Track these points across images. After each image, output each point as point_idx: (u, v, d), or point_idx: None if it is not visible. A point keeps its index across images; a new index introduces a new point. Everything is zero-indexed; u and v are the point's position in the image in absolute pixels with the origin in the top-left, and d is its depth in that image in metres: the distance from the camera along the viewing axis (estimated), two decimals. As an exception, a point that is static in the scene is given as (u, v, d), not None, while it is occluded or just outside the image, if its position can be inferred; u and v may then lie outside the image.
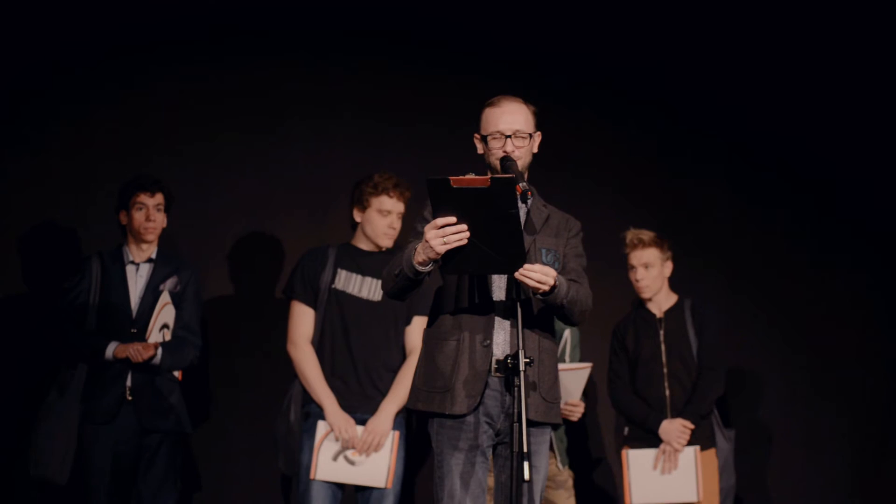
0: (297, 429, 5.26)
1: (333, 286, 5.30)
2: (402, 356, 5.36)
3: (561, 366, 5.38)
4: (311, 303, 5.30)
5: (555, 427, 5.46)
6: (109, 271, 5.24)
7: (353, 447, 5.20)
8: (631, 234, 5.70)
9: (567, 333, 5.60)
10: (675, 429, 5.57)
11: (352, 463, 5.21)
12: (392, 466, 5.24)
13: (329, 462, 5.19)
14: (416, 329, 5.36)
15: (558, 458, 5.52)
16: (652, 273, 5.69)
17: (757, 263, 6.67)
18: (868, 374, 6.61)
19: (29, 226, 5.70)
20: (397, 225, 5.32)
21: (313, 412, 5.25)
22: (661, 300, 5.78)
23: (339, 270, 5.31)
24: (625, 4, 6.50)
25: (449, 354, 4.00)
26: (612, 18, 6.47)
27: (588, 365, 5.53)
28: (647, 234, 5.71)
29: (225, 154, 5.99)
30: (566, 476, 5.58)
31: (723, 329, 5.89)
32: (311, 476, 5.18)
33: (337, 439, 5.19)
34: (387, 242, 5.33)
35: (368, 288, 5.31)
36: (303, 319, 5.31)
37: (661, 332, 5.73)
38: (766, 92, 6.64)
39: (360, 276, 5.32)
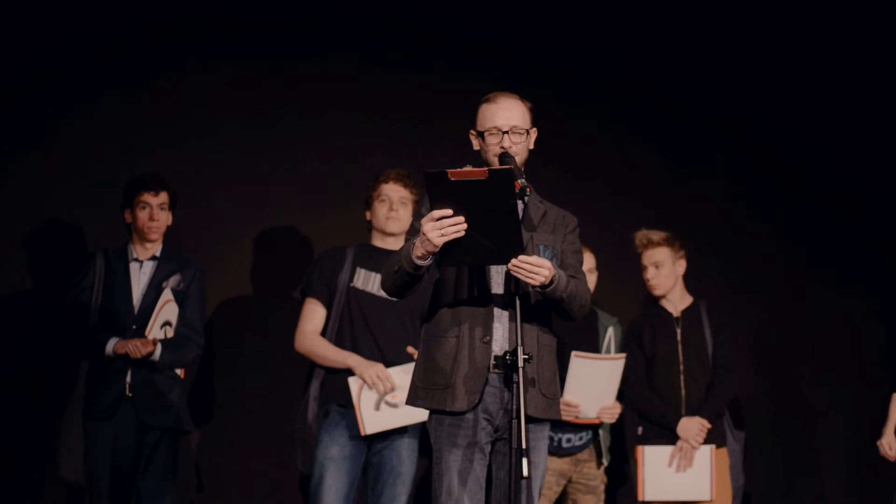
0: (316, 428, 5.27)
1: (352, 285, 5.32)
2: None
3: (595, 355, 5.43)
4: (326, 301, 5.32)
5: (599, 426, 5.54)
6: (113, 268, 5.26)
7: (393, 387, 5.17)
8: (640, 235, 5.75)
9: (611, 330, 5.67)
10: (693, 426, 5.58)
11: (394, 406, 5.18)
12: None
13: (373, 414, 5.17)
14: None
15: (603, 455, 5.58)
16: (663, 272, 5.73)
17: (757, 263, 6.66)
18: (867, 373, 6.59)
19: (31, 223, 5.72)
20: (400, 209, 5.34)
21: (333, 410, 5.25)
22: (676, 299, 5.81)
23: (357, 269, 5.34)
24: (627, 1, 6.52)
25: (448, 351, 3.98)
26: (615, 15, 6.47)
27: (622, 356, 5.58)
28: (657, 234, 5.76)
29: (228, 151, 6.00)
30: (599, 482, 5.61)
31: (737, 332, 5.96)
32: (362, 433, 5.16)
33: (371, 387, 5.17)
34: (392, 227, 5.35)
35: None
36: (314, 316, 5.33)
37: (679, 331, 5.75)
38: (770, 92, 6.64)
39: (378, 275, 5.30)
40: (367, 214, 5.41)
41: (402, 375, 5.21)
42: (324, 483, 5.20)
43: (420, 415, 5.16)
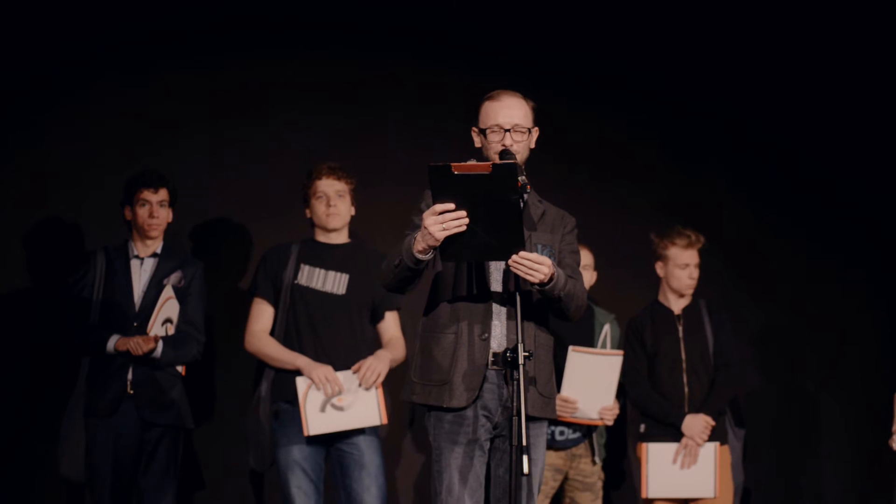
0: (268, 425, 5.27)
1: (296, 282, 5.32)
2: (369, 351, 5.34)
3: (592, 350, 5.43)
4: (272, 300, 5.34)
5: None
6: (114, 266, 5.25)
7: (340, 390, 5.17)
8: (693, 234, 5.77)
9: (607, 327, 5.67)
10: (698, 424, 5.60)
11: (340, 409, 5.19)
12: (381, 401, 5.21)
13: (318, 415, 5.17)
14: (390, 323, 5.44)
15: (597, 452, 5.57)
16: (697, 272, 5.77)
17: (757, 262, 6.66)
18: (867, 372, 6.60)
19: (31, 221, 5.72)
20: (339, 203, 5.33)
21: (283, 409, 5.26)
22: (681, 297, 5.82)
23: (301, 266, 5.34)
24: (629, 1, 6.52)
25: (447, 348, 3.99)
26: (615, 12, 6.47)
27: (620, 352, 5.58)
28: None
29: (228, 149, 5.99)
30: (595, 479, 5.61)
31: (737, 330, 5.98)
32: (305, 433, 5.15)
33: (319, 388, 5.17)
34: (333, 223, 5.34)
35: (332, 282, 5.32)
36: (262, 316, 5.35)
37: (680, 328, 5.75)
38: (770, 91, 6.64)
39: (323, 271, 5.33)
40: (307, 212, 5.41)
41: (350, 379, 5.22)
42: (291, 487, 5.19)
43: (366, 420, 5.20)
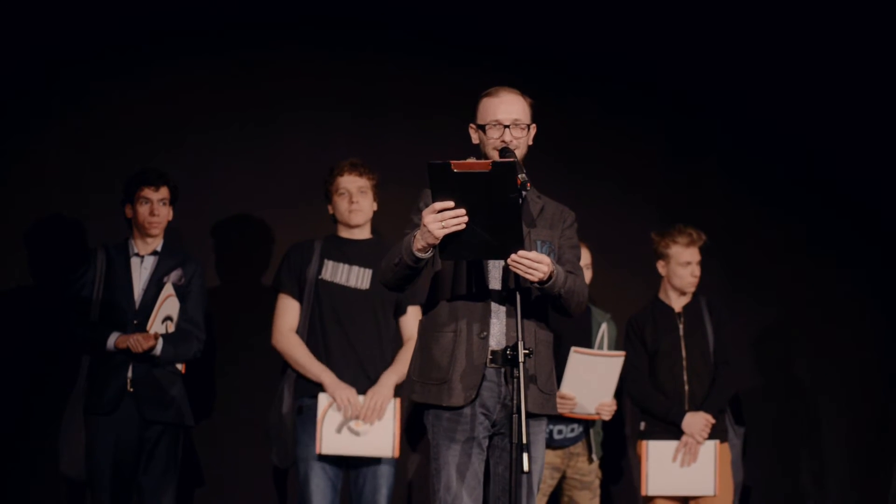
0: (290, 422, 5.28)
1: (321, 277, 5.33)
2: (393, 346, 5.38)
3: (594, 351, 5.44)
4: (297, 295, 5.34)
5: (592, 421, 5.55)
6: (114, 264, 5.26)
7: (358, 416, 5.18)
8: (695, 232, 5.78)
9: (604, 326, 5.66)
10: (698, 422, 5.60)
11: (356, 434, 5.19)
12: (397, 434, 5.22)
13: (333, 435, 5.18)
14: (411, 318, 5.42)
15: (594, 450, 5.56)
16: (699, 270, 5.77)
17: (757, 260, 6.66)
18: (867, 368, 6.59)
19: (31, 220, 5.73)
20: (361, 199, 5.36)
21: (306, 405, 5.27)
22: (681, 296, 5.82)
23: (325, 261, 5.36)
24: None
25: (445, 346, 3.99)
26: (616, 12, 6.47)
27: (621, 353, 5.58)
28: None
29: (228, 148, 6.01)
30: (593, 477, 5.61)
31: (737, 328, 6.00)
32: (317, 451, 5.17)
33: (339, 409, 5.18)
34: (356, 219, 5.37)
35: (356, 277, 5.34)
36: (288, 312, 5.36)
37: (681, 326, 5.76)
38: (770, 90, 6.64)
39: (346, 266, 5.35)
40: (329, 208, 5.43)
41: None
42: (310, 483, 5.21)
43: (378, 450, 5.22)
